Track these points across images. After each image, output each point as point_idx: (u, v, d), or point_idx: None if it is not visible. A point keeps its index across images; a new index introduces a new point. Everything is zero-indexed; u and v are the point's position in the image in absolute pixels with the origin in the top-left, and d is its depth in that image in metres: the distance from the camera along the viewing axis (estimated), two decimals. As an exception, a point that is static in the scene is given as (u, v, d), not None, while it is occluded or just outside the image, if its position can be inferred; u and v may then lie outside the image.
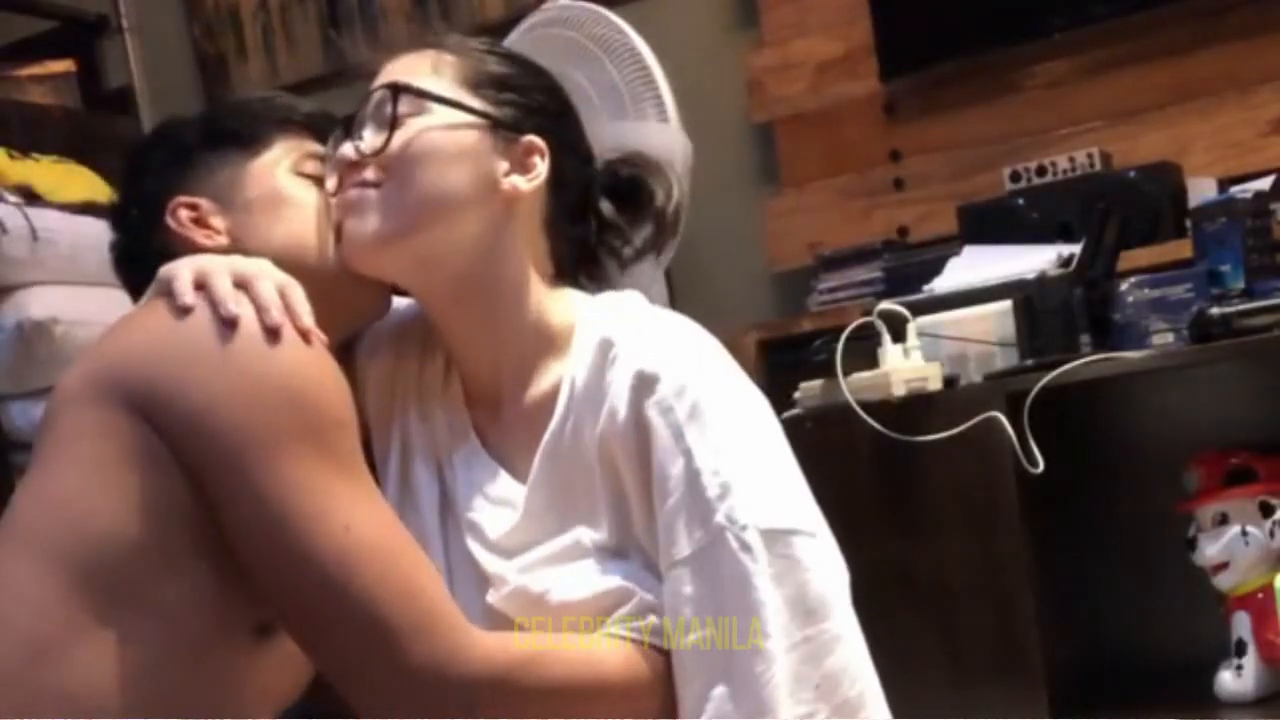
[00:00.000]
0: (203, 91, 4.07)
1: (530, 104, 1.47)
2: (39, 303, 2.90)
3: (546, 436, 1.42)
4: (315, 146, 1.50)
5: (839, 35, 3.35)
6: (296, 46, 4.01)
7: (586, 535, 1.40)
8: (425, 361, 1.52)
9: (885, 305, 2.34)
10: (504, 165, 1.44)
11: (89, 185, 3.17)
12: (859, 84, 3.32)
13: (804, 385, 2.31)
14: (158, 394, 1.26)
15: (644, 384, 1.37)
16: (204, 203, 1.45)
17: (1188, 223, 2.47)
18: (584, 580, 1.39)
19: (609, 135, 1.94)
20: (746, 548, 1.32)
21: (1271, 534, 2.18)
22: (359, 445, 1.33)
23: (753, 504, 1.33)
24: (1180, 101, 3.00)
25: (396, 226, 1.41)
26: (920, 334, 2.29)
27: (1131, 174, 2.76)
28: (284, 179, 1.47)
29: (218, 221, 1.45)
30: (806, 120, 3.40)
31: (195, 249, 1.41)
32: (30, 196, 3.04)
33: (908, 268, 2.97)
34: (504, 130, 1.44)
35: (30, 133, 3.36)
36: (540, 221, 1.47)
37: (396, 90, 1.42)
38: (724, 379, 1.41)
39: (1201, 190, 2.68)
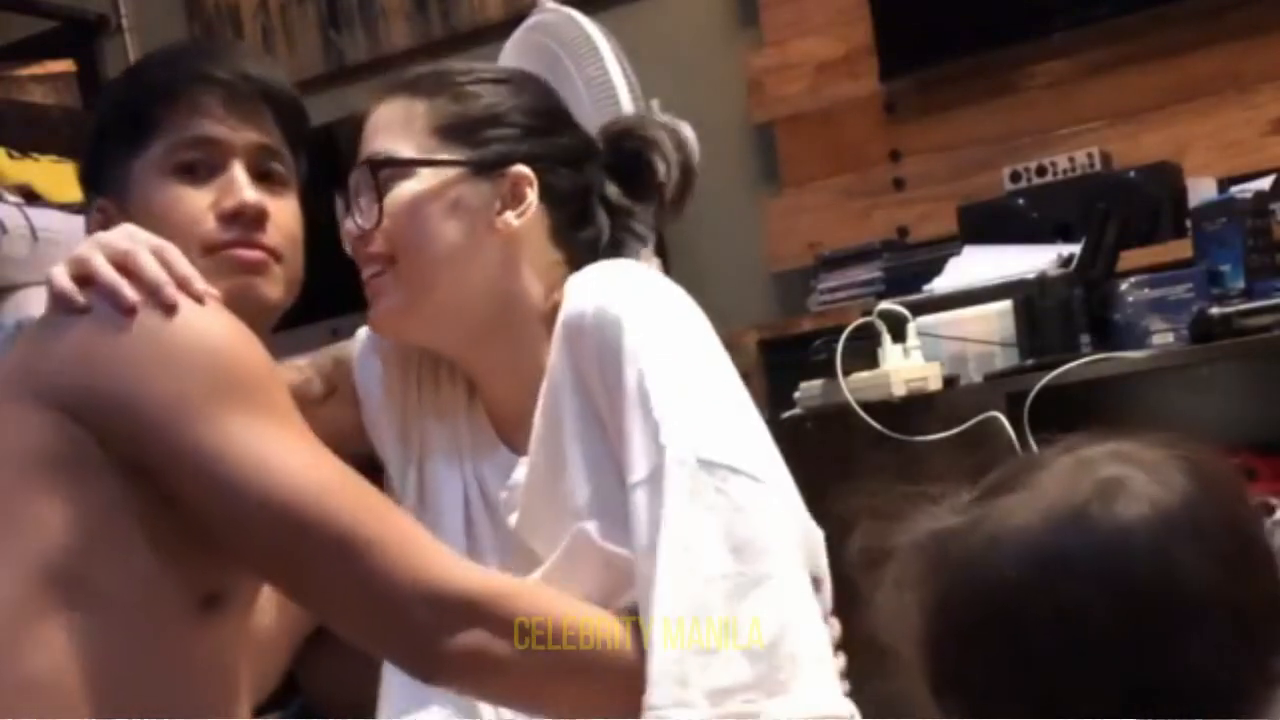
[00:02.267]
0: (203, 91, 4.07)
1: (513, 132, 1.47)
2: (39, 303, 2.86)
3: (537, 414, 1.43)
4: (200, 127, 1.39)
5: (839, 35, 3.34)
6: (296, 46, 4.01)
7: (579, 492, 1.40)
8: (441, 379, 1.54)
9: (885, 305, 2.34)
10: (495, 204, 1.45)
11: (89, 185, 3.16)
12: (859, 84, 3.32)
13: (804, 385, 2.31)
14: (82, 390, 1.26)
15: (603, 319, 1.38)
16: (110, 206, 1.41)
17: (1188, 223, 2.47)
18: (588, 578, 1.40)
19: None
20: (685, 475, 1.33)
21: (1271, 534, 2.17)
22: (289, 397, 1.32)
23: (692, 435, 1.34)
24: (1180, 101, 3.00)
25: (411, 295, 1.44)
26: (920, 334, 2.29)
27: (1131, 174, 2.76)
28: (154, 186, 1.39)
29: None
30: (806, 120, 3.40)
31: None
32: (30, 196, 3.04)
33: (908, 268, 2.96)
34: (487, 170, 1.45)
35: (30, 133, 3.35)
36: (546, 238, 1.48)
37: (374, 165, 1.44)
38: (674, 318, 1.42)
39: (1201, 190, 2.68)
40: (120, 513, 1.26)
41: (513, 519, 1.46)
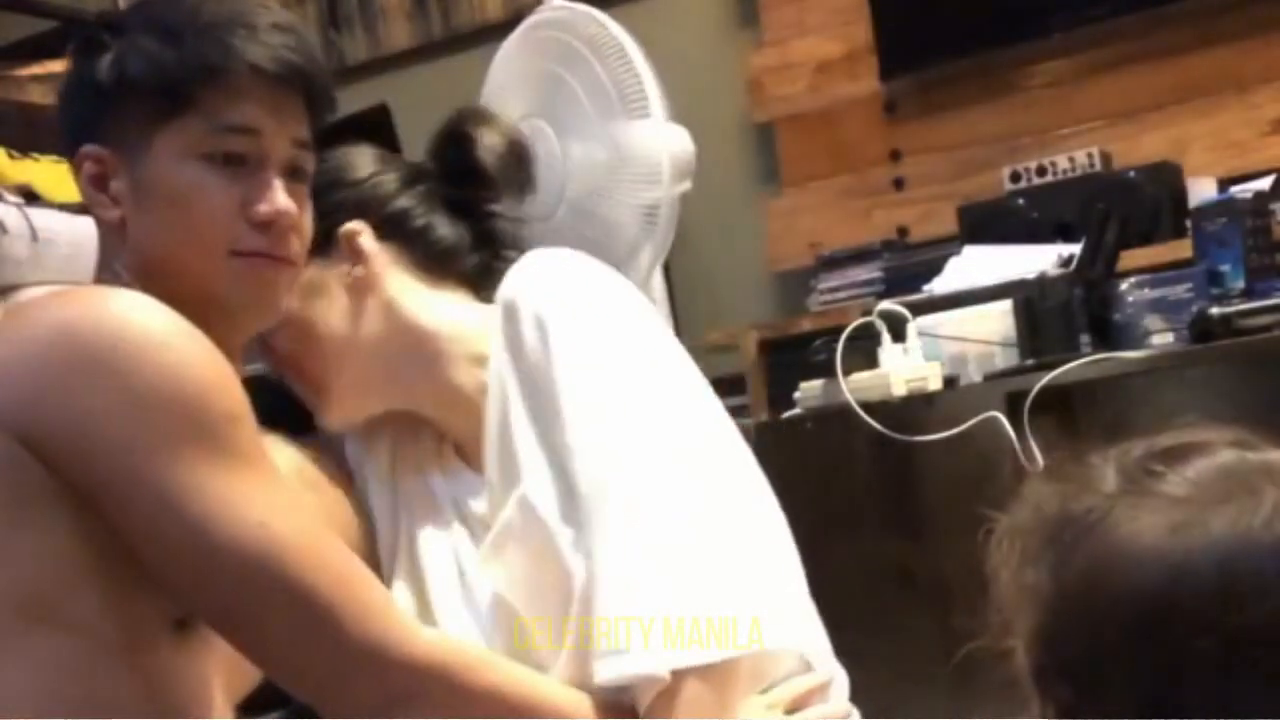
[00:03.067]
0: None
1: (337, 198, 1.49)
2: (39, 303, 2.89)
3: (485, 417, 1.45)
4: (242, 115, 1.29)
5: (839, 35, 3.35)
6: (296, 46, 4.00)
7: (529, 490, 1.41)
8: (420, 432, 1.55)
9: (885, 305, 2.34)
10: (344, 268, 1.48)
11: (89, 185, 3.16)
12: (859, 84, 3.32)
13: (804, 385, 2.31)
14: (32, 418, 1.19)
15: (511, 309, 1.42)
16: (110, 157, 1.30)
17: (1188, 223, 2.47)
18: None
19: (602, 136, 1.94)
20: (625, 448, 1.36)
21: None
22: (258, 435, 1.26)
23: (626, 408, 1.37)
24: (1180, 101, 3.00)
25: (327, 387, 1.50)
26: (920, 334, 2.29)
27: (1131, 174, 2.77)
28: (179, 166, 1.29)
29: (117, 185, 1.30)
30: (806, 120, 3.40)
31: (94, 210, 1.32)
32: (30, 196, 3.04)
33: (908, 268, 2.97)
34: (322, 246, 1.45)
35: (30, 133, 3.35)
36: (415, 269, 1.51)
37: None
38: (607, 294, 1.45)
39: (1201, 190, 2.69)
40: (83, 541, 1.21)
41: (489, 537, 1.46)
